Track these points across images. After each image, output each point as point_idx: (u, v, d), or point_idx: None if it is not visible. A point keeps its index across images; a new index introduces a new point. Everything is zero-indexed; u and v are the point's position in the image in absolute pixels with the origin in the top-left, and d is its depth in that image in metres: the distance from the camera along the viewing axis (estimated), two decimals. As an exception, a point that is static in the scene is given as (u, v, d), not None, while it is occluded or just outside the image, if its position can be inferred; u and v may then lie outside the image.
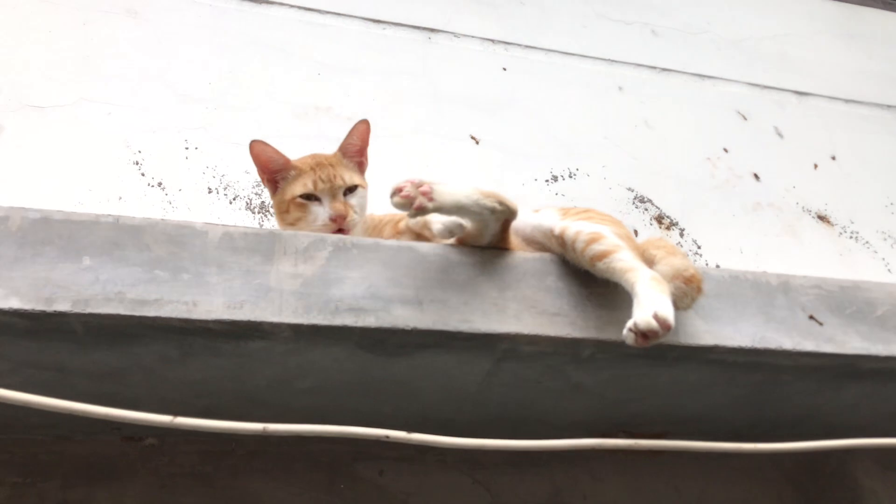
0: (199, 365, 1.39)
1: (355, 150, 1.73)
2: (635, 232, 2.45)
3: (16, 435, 1.57)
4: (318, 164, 1.66)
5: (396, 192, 1.36)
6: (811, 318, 1.66)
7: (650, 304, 1.25)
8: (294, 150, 2.09)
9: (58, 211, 1.32)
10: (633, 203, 2.53)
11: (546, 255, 1.55)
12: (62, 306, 1.22)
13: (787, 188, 2.79)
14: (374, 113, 2.41)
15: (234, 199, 2.09)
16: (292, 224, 1.61)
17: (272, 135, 2.21)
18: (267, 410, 1.58)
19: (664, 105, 2.87)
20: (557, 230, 1.52)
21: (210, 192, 2.08)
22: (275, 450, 1.70)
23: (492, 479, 1.79)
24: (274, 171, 1.66)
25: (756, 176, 2.79)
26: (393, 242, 1.46)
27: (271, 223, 2.07)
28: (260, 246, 1.38)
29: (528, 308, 1.46)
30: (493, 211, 1.43)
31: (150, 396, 1.48)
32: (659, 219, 2.52)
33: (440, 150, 2.42)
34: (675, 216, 2.55)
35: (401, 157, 2.35)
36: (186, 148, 2.14)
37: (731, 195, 2.70)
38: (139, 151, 2.08)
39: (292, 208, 1.61)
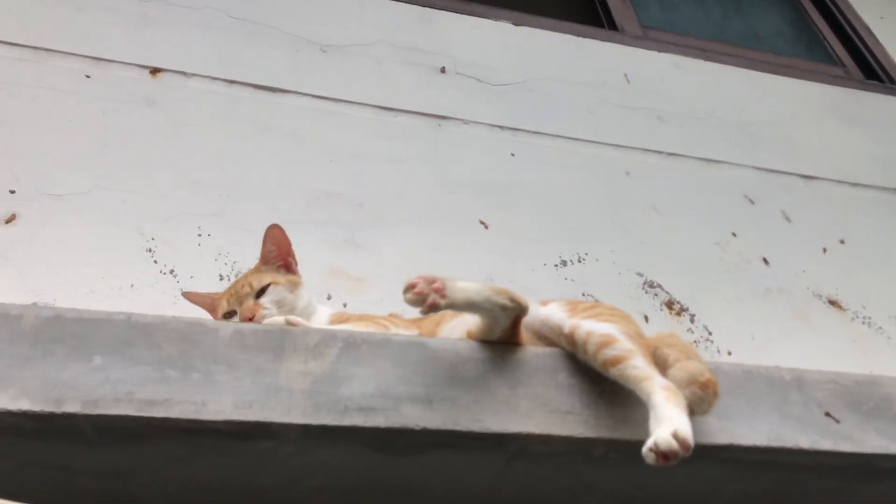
0: (206, 463, 1.37)
1: (274, 255, 1.80)
2: (645, 318, 2.44)
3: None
4: (234, 284, 1.74)
5: (409, 288, 1.36)
6: (827, 414, 1.63)
7: (669, 423, 1.24)
8: (306, 235, 2.14)
9: (71, 309, 1.33)
10: (643, 288, 2.53)
11: (557, 351, 1.54)
12: (71, 407, 1.21)
13: (796, 272, 2.78)
14: (385, 198, 2.45)
15: (244, 286, 2.10)
16: None
17: (284, 220, 2.23)
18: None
19: (672, 189, 2.90)
20: (567, 329, 1.51)
21: (221, 279, 2.09)
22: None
23: None
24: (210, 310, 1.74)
25: (765, 260, 2.79)
26: (403, 338, 1.46)
27: (281, 310, 2.08)
28: (270, 343, 1.38)
29: (539, 406, 1.44)
30: (503, 308, 1.43)
31: (156, 495, 1.46)
32: (669, 304, 2.52)
33: (450, 235, 2.44)
34: (685, 301, 2.54)
35: (412, 242, 2.36)
36: (199, 235, 2.16)
37: (740, 280, 2.69)
38: (152, 238, 2.11)
39: None
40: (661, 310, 2.49)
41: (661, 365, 1.51)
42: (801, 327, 2.62)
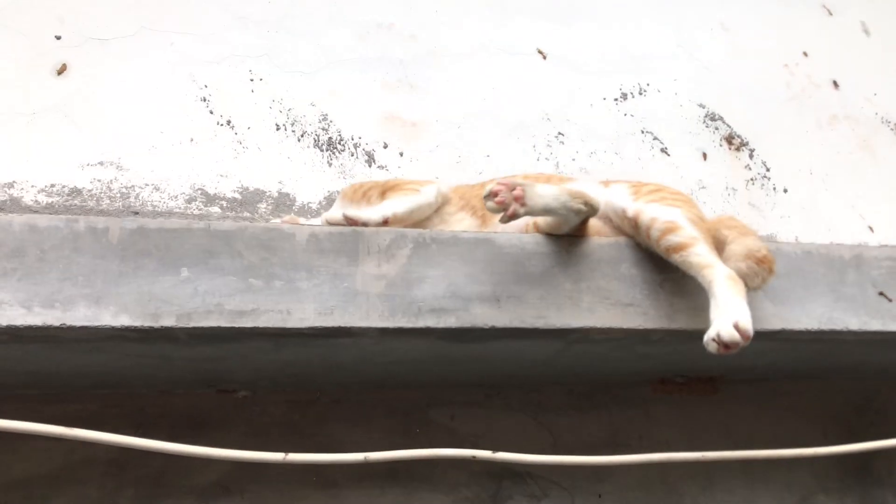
0: (290, 352, 1.49)
1: None
2: (704, 156, 2.40)
3: (122, 390, 1.72)
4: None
5: (491, 196, 1.37)
6: (881, 294, 1.67)
7: (731, 313, 1.28)
8: (358, 74, 2.13)
9: (152, 220, 1.37)
10: (704, 122, 2.45)
11: (621, 240, 1.56)
12: (168, 321, 1.30)
13: (866, 97, 2.66)
14: (438, 28, 2.33)
15: (301, 135, 2.09)
16: None
17: (334, 61, 2.19)
18: (348, 374, 1.71)
19: (743, 1, 2.68)
20: (631, 212, 1.52)
21: (278, 129, 2.07)
22: (355, 398, 1.83)
23: (554, 420, 1.93)
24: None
25: (835, 83, 2.66)
26: (470, 235, 1.49)
27: (339, 161, 2.09)
28: (345, 246, 1.42)
29: (601, 300, 1.51)
30: (578, 212, 1.44)
31: (244, 369, 1.60)
32: (729, 139, 2.45)
33: (507, 68, 2.34)
34: (745, 135, 2.47)
35: (467, 79, 2.28)
36: (251, 80, 2.11)
37: (806, 107, 2.59)
38: (205, 86, 2.06)
39: None
40: (721, 145, 2.44)
41: (721, 245, 1.54)
42: (863, 159, 2.56)
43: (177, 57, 2.07)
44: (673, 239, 1.43)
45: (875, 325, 1.64)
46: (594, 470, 1.90)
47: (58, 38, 2.00)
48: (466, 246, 1.48)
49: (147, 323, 1.29)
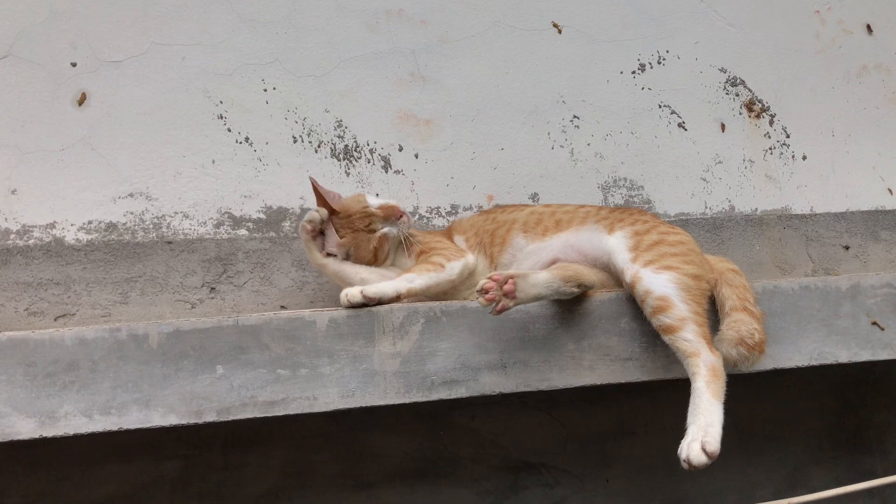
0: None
1: None
2: (722, 127, 2.38)
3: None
4: None
5: (482, 293, 1.46)
6: (874, 323, 1.76)
7: (702, 428, 1.39)
8: (370, 70, 2.19)
9: (185, 321, 1.50)
10: (724, 88, 2.41)
11: (621, 295, 1.65)
12: (210, 417, 1.48)
13: (901, 41, 2.55)
14: (447, 9, 2.27)
15: (318, 146, 2.14)
16: None
17: (344, 56, 2.19)
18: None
19: (775, -62, 2.52)
20: (628, 279, 1.60)
21: (295, 142, 2.13)
22: (384, 408, 2.03)
23: (566, 413, 2.11)
24: None
25: (869, 28, 2.54)
26: (477, 305, 1.59)
27: (357, 169, 2.15)
28: (361, 329, 1.55)
29: (601, 357, 1.63)
30: (571, 294, 1.53)
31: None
32: (750, 105, 2.42)
33: (521, 46, 2.30)
34: (767, 99, 2.43)
35: (480, 65, 2.26)
36: (265, 90, 2.13)
37: (834, 60, 2.50)
38: (221, 102, 2.10)
39: None
40: (741, 113, 2.41)
41: (719, 303, 1.63)
42: (889, 113, 2.51)
43: (190, 72, 2.10)
44: (664, 320, 1.51)
45: (865, 355, 1.74)
46: (602, 457, 2.11)
47: (73, 65, 2.04)
48: (475, 316, 1.59)
49: (192, 420, 1.47)
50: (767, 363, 1.70)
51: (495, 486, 2.06)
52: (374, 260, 1.78)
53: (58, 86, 2.02)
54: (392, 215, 1.79)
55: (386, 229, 1.79)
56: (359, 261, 1.79)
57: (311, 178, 1.82)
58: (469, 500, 2.05)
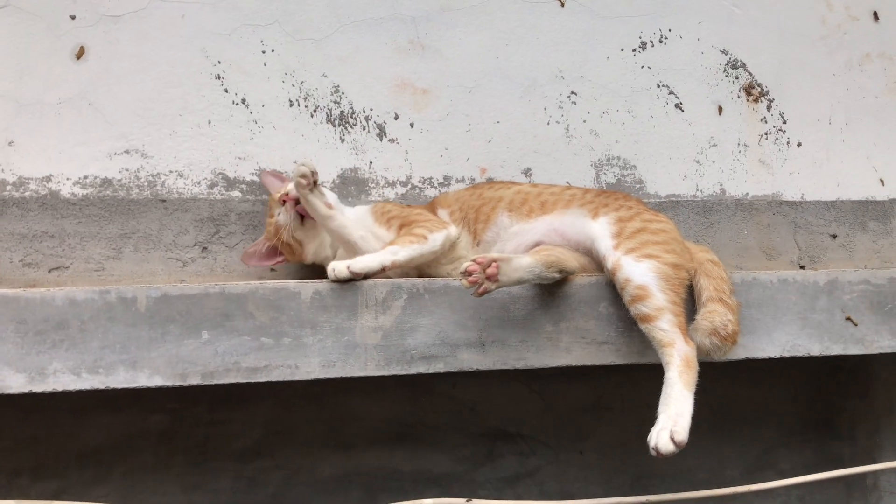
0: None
1: None
2: (719, 109, 2.38)
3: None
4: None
5: (466, 275, 1.49)
6: (848, 319, 1.79)
7: (672, 417, 1.44)
8: (369, 36, 2.18)
9: (173, 286, 1.54)
10: (724, 71, 2.40)
11: (601, 280, 1.69)
12: (194, 380, 1.53)
13: (907, 30, 2.52)
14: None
15: (314, 110, 2.15)
16: None
17: (344, 22, 2.18)
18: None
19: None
20: (609, 266, 1.63)
21: (291, 106, 2.13)
22: (368, 373, 2.09)
23: (545, 387, 2.17)
24: None
25: (875, 15, 2.51)
26: (460, 284, 1.62)
27: (351, 136, 2.16)
28: (345, 301, 1.59)
29: (578, 339, 1.67)
30: (553, 279, 1.56)
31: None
32: (749, 89, 2.41)
33: (522, 19, 2.29)
34: (766, 83, 2.42)
35: (480, 36, 2.25)
36: (263, 52, 2.13)
37: (838, 46, 2.48)
38: (219, 62, 2.10)
39: None
40: (739, 97, 2.40)
41: (697, 293, 1.67)
42: (888, 104, 2.50)
43: (189, 30, 2.09)
44: (642, 309, 1.55)
45: (836, 349, 1.78)
46: (577, 430, 2.18)
47: (72, 17, 2.04)
48: (457, 294, 1.63)
49: (177, 382, 1.52)
50: (740, 353, 1.74)
51: (472, 453, 2.13)
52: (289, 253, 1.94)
53: (56, 38, 2.02)
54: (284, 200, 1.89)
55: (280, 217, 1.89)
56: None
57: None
58: (446, 465, 2.12)
